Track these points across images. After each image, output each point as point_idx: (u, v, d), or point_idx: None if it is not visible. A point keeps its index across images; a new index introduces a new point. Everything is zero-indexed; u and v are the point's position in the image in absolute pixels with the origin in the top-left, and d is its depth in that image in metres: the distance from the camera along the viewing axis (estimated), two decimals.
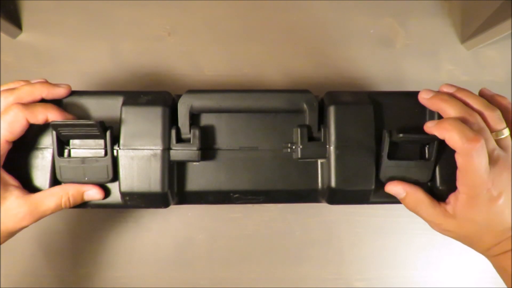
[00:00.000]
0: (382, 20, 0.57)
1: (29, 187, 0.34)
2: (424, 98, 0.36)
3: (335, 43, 0.56)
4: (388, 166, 0.35)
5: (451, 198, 0.34)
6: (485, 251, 0.35)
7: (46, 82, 0.35)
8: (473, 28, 0.55)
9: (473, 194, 0.32)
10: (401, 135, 0.33)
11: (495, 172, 0.32)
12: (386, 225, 0.53)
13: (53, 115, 0.33)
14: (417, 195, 0.35)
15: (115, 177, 0.35)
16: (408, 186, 0.35)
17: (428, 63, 0.56)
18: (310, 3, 0.57)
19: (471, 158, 0.31)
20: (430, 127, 0.34)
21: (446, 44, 0.57)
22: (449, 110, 0.33)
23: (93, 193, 0.35)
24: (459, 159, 0.32)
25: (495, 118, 0.33)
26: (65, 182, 0.35)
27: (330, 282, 0.51)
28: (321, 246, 0.52)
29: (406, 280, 0.52)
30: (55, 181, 0.35)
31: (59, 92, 0.35)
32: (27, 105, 0.32)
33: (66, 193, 0.34)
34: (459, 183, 0.33)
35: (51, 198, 0.33)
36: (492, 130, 0.33)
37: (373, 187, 0.35)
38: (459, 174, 0.33)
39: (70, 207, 0.35)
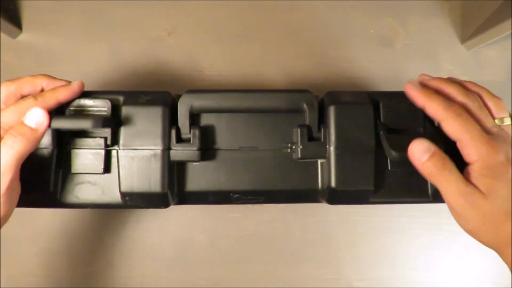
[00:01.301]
0: (382, 20, 0.57)
1: (32, 186, 0.34)
2: (425, 80, 0.36)
3: (335, 43, 0.56)
4: (390, 139, 0.34)
5: (465, 175, 0.31)
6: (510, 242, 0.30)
7: (47, 75, 0.36)
8: (473, 28, 0.55)
9: (485, 157, 0.30)
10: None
11: (495, 138, 0.30)
12: (386, 225, 0.53)
13: (62, 94, 0.34)
14: (443, 155, 0.31)
15: (107, 168, 0.35)
16: (433, 144, 0.31)
17: (428, 63, 0.56)
18: (310, 3, 0.57)
19: (455, 120, 0.30)
20: (412, 90, 0.33)
21: (446, 44, 0.57)
22: (449, 88, 0.34)
23: (32, 116, 0.31)
24: (446, 128, 0.31)
25: (496, 104, 0.33)
26: (63, 174, 0.35)
27: (330, 282, 0.51)
28: (321, 246, 0.52)
29: (406, 280, 0.52)
30: (56, 177, 0.35)
31: (59, 83, 0.35)
32: (37, 95, 0.33)
33: (9, 135, 0.30)
34: (466, 155, 0.31)
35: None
36: (493, 117, 0.33)
37: (373, 187, 0.35)
38: (459, 146, 0.31)
39: (32, 142, 0.31)
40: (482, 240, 0.32)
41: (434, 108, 0.32)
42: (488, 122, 0.32)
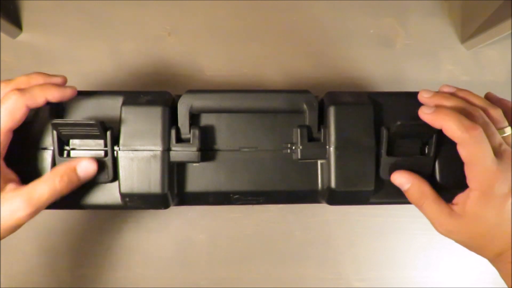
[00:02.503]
0: (382, 20, 0.57)
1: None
2: (424, 97, 0.35)
3: (335, 43, 0.56)
4: (387, 162, 0.35)
5: (460, 198, 0.33)
6: (495, 257, 0.33)
7: (42, 72, 0.35)
8: (473, 28, 0.55)
9: (486, 188, 0.31)
10: (399, 122, 0.33)
11: (503, 165, 0.31)
12: (386, 225, 0.53)
13: (52, 94, 0.32)
14: (422, 188, 0.34)
15: (115, 177, 0.35)
16: (413, 176, 0.34)
17: (428, 63, 0.56)
18: (310, 3, 0.57)
19: (473, 147, 0.30)
20: (426, 114, 0.33)
21: (446, 44, 0.57)
22: (451, 105, 0.33)
23: (85, 165, 0.33)
24: (461, 150, 0.31)
25: (497, 116, 0.33)
26: None
27: (330, 282, 0.51)
28: (321, 246, 0.52)
29: (406, 280, 0.52)
30: None
31: (56, 81, 0.34)
32: (24, 90, 0.32)
33: (58, 174, 0.32)
34: (469, 180, 0.32)
35: (43, 184, 0.31)
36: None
37: (373, 187, 0.35)
38: (467, 169, 0.32)
39: (70, 189, 0.32)
40: (472, 252, 0.34)
41: (451, 131, 0.31)
42: (495, 140, 0.32)
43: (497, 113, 0.33)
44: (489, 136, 0.31)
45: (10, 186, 0.31)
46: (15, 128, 0.32)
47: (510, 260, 0.32)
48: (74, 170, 0.33)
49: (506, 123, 0.33)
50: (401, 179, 0.34)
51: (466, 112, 0.32)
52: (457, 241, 0.33)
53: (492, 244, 0.32)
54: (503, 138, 0.33)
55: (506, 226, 0.31)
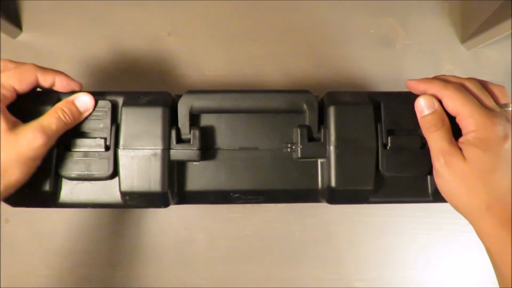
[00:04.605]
0: (382, 20, 0.57)
1: (32, 182, 0.34)
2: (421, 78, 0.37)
3: (335, 43, 0.56)
4: (386, 156, 0.35)
5: (460, 140, 0.33)
6: (482, 211, 0.31)
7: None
8: (473, 28, 0.55)
9: (482, 128, 0.31)
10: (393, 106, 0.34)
11: (497, 116, 0.31)
12: (386, 225, 0.53)
13: (60, 80, 0.35)
14: (443, 116, 0.33)
15: (115, 172, 0.35)
16: (438, 104, 0.34)
17: (428, 63, 0.57)
18: (310, 3, 0.57)
19: (456, 95, 0.32)
20: (411, 81, 0.35)
21: (446, 44, 0.57)
22: (447, 77, 0.35)
23: (83, 98, 0.35)
24: (448, 105, 0.33)
25: (498, 91, 0.34)
26: (65, 176, 0.35)
27: (330, 282, 0.51)
28: (321, 246, 0.52)
29: (406, 280, 0.52)
30: (56, 177, 0.35)
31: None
32: (40, 66, 0.34)
33: (59, 107, 0.34)
34: (463, 126, 0.32)
35: (49, 116, 0.33)
36: (497, 102, 0.33)
37: (372, 186, 0.35)
38: (459, 120, 0.32)
39: (73, 121, 0.34)
40: (455, 205, 0.33)
41: (434, 89, 0.34)
42: (489, 102, 0.33)
43: (500, 89, 0.34)
44: (482, 98, 0.33)
45: (19, 125, 0.32)
46: (21, 92, 0.33)
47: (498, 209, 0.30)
48: (73, 103, 0.34)
49: (509, 100, 0.34)
50: (427, 101, 0.34)
51: (459, 78, 0.34)
52: (448, 180, 0.32)
53: (483, 191, 0.31)
54: (505, 111, 0.33)
55: (500, 173, 0.31)
